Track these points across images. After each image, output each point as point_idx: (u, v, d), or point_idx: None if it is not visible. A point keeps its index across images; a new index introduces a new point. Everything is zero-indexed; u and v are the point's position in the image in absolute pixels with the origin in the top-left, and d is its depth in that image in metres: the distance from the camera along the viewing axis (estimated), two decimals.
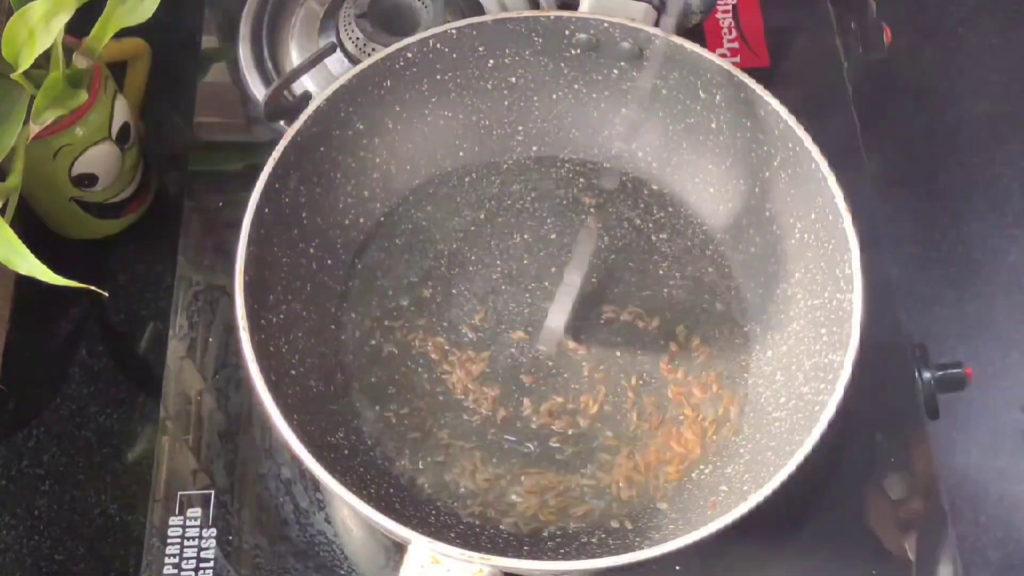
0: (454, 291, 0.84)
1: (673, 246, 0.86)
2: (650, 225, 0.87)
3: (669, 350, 0.81)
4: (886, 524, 0.78)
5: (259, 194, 0.75)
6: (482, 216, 0.87)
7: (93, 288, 0.72)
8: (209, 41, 0.99)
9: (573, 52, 0.84)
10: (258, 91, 0.94)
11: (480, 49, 0.84)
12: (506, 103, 0.88)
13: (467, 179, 0.89)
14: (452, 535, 0.72)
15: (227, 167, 0.91)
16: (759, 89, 0.77)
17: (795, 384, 0.75)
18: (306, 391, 0.77)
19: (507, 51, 0.84)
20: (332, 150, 0.82)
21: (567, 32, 0.83)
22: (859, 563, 0.78)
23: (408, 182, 0.88)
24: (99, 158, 0.86)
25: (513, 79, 0.87)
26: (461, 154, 0.89)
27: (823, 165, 0.75)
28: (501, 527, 0.74)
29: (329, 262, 0.84)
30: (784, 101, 0.77)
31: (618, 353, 0.81)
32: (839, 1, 1.03)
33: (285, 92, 0.90)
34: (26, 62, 0.75)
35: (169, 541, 0.77)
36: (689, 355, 0.81)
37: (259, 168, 0.76)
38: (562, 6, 0.88)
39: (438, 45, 0.82)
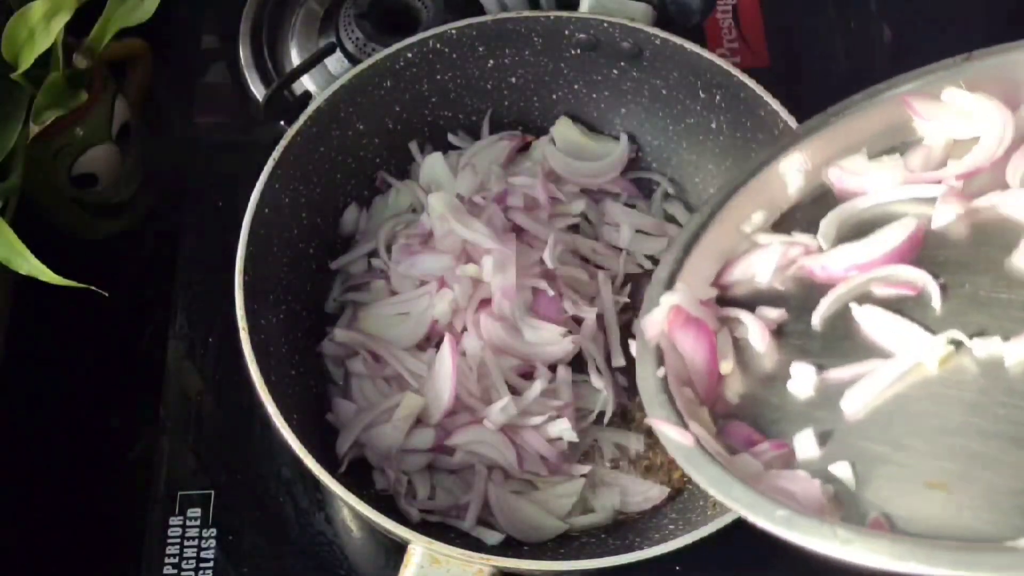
0: None
1: None
2: None
3: None
4: None
5: (259, 194, 0.75)
6: None
7: (93, 288, 0.72)
8: (209, 41, 0.99)
9: (573, 52, 0.84)
10: (258, 91, 0.94)
11: (480, 49, 0.84)
12: (506, 103, 0.88)
13: None
14: (452, 535, 0.72)
15: (227, 167, 0.91)
16: (759, 89, 0.77)
17: None
18: (306, 391, 0.78)
19: (507, 51, 0.85)
20: (332, 150, 0.82)
21: (567, 32, 0.83)
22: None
23: None
24: (99, 158, 0.86)
25: (513, 79, 0.87)
26: None
27: None
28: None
29: (329, 262, 0.84)
30: (784, 101, 0.77)
31: None
32: (839, 1, 1.03)
33: (285, 92, 0.90)
34: (26, 62, 0.75)
35: (169, 541, 0.77)
36: None
37: (259, 168, 0.76)
38: (562, 6, 0.88)
39: (438, 45, 0.82)
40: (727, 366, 0.64)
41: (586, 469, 0.76)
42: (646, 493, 0.75)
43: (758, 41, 1.01)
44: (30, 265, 0.71)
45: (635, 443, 0.78)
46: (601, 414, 0.78)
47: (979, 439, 0.54)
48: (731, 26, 1.02)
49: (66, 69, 0.78)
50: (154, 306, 0.89)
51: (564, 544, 0.73)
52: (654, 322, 0.65)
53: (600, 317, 0.80)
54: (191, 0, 1.00)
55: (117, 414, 0.86)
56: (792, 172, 0.68)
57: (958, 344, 0.57)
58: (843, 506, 0.56)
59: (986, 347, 0.56)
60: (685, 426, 0.59)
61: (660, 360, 0.64)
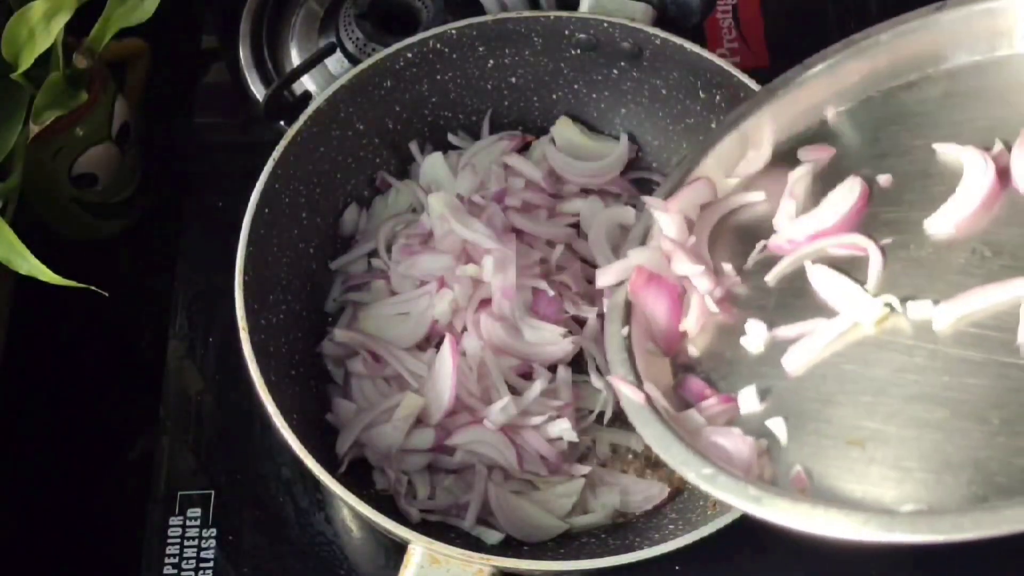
0: None
1: None
2: None
3: None
4: None
5: (259, 194, 0.75)
6: None
7: (93, 288, 0.72)
8: (209, 41, 1.00)
9: (573, 52, 0.84)
10: (258, 91, 0.94)
11: (480, 49, 0.84)
12: (506, 103, 0.88)
13: None
14: (452, 535, 0.72)
15: (227, 167, 0.91)
16: (759, 89, 0.77)
17: None
18: (306, 391, 0.78)
19: (507, 51, 0.85)
20: (332, 150, 0.82)
21: (567, 32, 0.83)
22: (859, 562, 0.78)
23: None
24: (99, 158, 0.86)
25: (513, 79, 0.87)
26: None
27: None
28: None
29: (329, 262, 0.84)
30: None
31: None
32: (839, 1, 1.03)
33: (285, 92, 0.90)
34: (26, 62, 0.75)
35: (169, 541, 0.77)
36: None
37: (259, 168, 0.76)
38: (562, 6, 0.88)
39: (438, 45, 0.82)
40: (688, 323, 0.67)
41: (586, 469, 0.76)
42: (646, 492, 0.75)
43: (758, 41, 1.01)
44: (30, 265, 0.71)
45: (635, 443, 0.78)
46: (601, 414, 0.78)
47: (899, 400, 0.57)
48: (731, 26, 1.02)
49: (66, 69, 0.78)
50: (154, 306, 0.89)
51: (564, 544, 0.73)
52: (612, 272, 0.69)
53: (602, 317, 0.80)
54: (191, 0, 1.00)
55: (117, 414, 0.86)
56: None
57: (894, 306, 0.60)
58: (774, 460, 0.60)
59: (918, 310, 0.59)
60: (640, 384, 0.64)
61: (627, 318, 0.68)
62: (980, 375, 0.55)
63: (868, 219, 0.65)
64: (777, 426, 0.60)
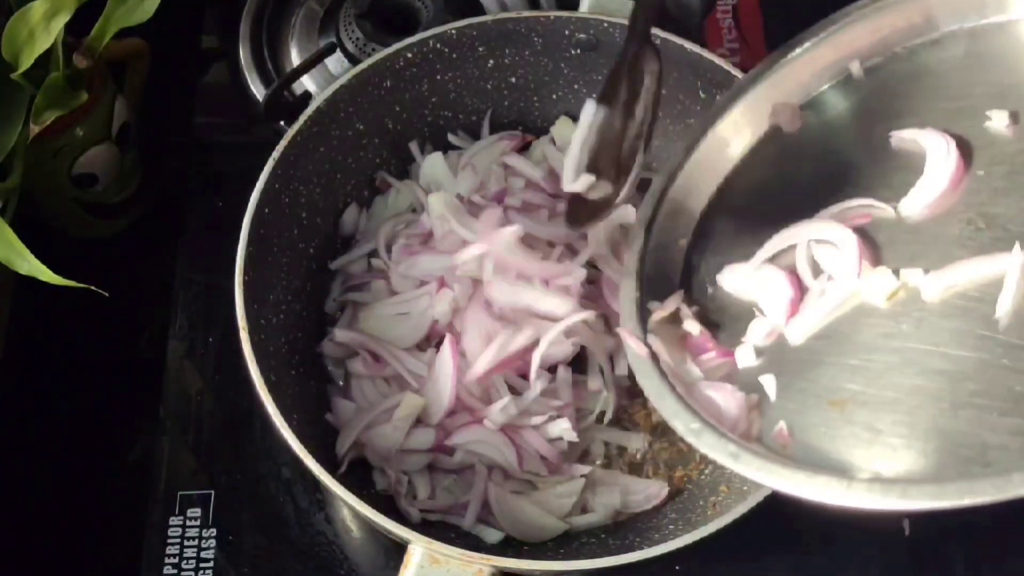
0: None
1: None
2: None
3: None
4: None
5: (259, 194, 0.75)
6: None
7: (93, 288, 0.72)
8: (209, 41, 0.99)
9: (573, 52, 0.84)
10: (258, 91, 0.94)
11: (480, 49, 0.84)
12: (506, 103, 0.88)
13: None
14: (452, 535, 0.72)
15: (227, 167, 0.91)
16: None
17: None
18: (306, 391, 0.78)
19: (507, 51, 0.85)
20: (332, 150, 0.82)
21: (567, 32, 0.83)
22: (859, 561, 0.78)
23: None
24: (99, 158, 0.86)
25: (513, 79, 0.87)
26: None
27: None
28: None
29: (329, 262, 0.84)
30: None
31: None
32: (839, 2, 1.03)
33: (285, 92, 0.90)
34: (26, 62, 0.75)
35: (169, 541, 0.77)
36: None
37: (259, 168, 0.76)
38: (562, 6, 0.88)
39: (438, 45, 0.82)
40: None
41: (586, 469, 0.76)
42: (646, 492, 0.75)
43: (758, 41, 1.01)
44: (30, 265, 0.71)
45: (635, 443, 0.78)
46: (601, 414, 0.78)
47: (882, 365, 0.59)
48: (731, 26, 1.02)
49: (66, 69, 0.78)
50: (154, 306, 0.89)
51: (564, 544, 0.73)
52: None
53: (605, 319, 0.80)
54: (191, 0, 1.00)
55: (117, 414, 0.86)
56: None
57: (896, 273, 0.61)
58: (764, 415, 0.62)
59: (908, 279, 0.60)
60: (646, 338, 0.67)
61: (641, 282, 0.71)
62: (959, 346, 0.56)
63: (879, 180, 0.65)
64: (768, 382, 0.63)
